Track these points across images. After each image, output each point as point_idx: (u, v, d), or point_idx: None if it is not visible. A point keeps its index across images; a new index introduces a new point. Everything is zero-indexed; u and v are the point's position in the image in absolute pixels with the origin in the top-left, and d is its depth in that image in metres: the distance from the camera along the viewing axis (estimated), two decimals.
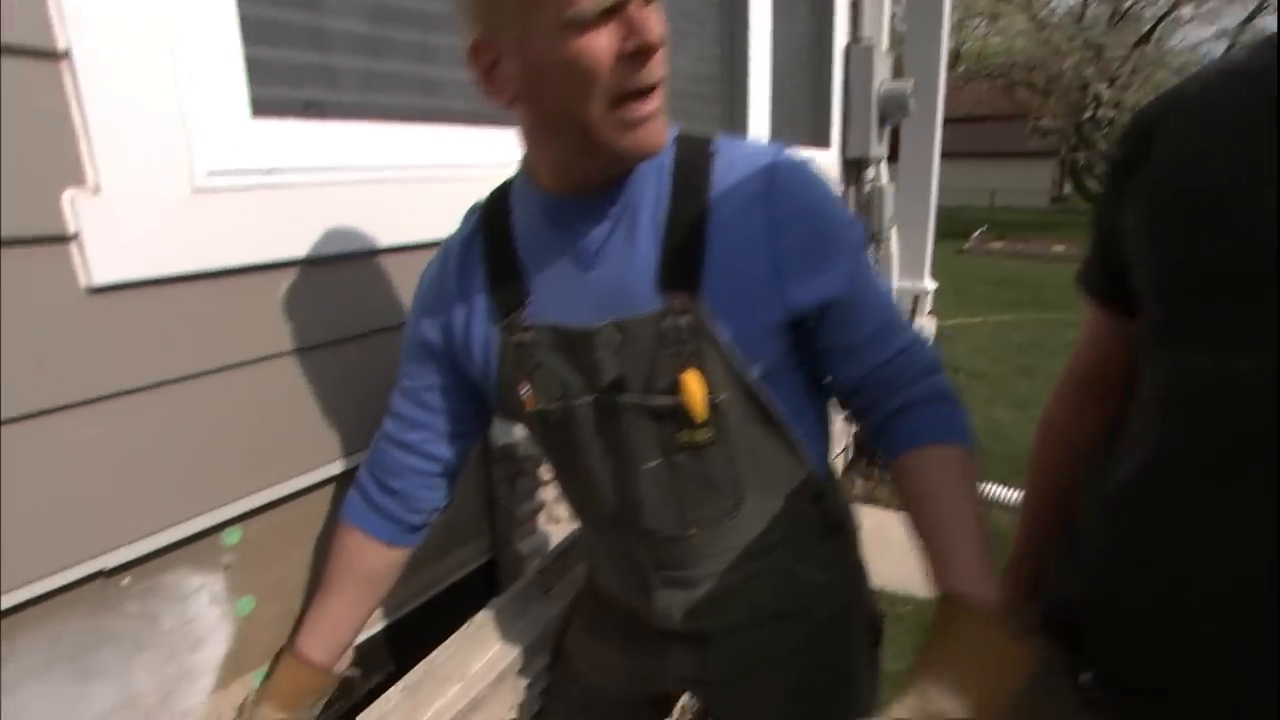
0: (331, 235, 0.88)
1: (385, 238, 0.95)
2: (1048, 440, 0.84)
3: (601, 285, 0.68)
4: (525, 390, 0.72)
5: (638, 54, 0.57)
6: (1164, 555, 0.61)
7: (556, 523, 1.33)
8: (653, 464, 0.70)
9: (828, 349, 0.70)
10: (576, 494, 0.81)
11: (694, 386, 0.65)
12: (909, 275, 4.50)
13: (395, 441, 0.82)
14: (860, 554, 0.86)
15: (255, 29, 0.81)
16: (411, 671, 0.86)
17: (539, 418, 0.73)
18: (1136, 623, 0.64)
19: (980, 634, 0.59)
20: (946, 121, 4.52)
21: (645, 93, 0.59)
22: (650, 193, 0.68)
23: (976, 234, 13.09)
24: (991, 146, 21.45)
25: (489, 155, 1.08)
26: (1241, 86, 0.59)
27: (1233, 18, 13.53)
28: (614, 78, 0.57)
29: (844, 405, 0.75)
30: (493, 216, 0.76)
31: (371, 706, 0.81)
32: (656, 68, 0.59)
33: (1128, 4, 13.64)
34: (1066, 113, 14.65)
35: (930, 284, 4.66)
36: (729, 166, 0.68)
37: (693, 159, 0.69)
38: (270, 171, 0.82)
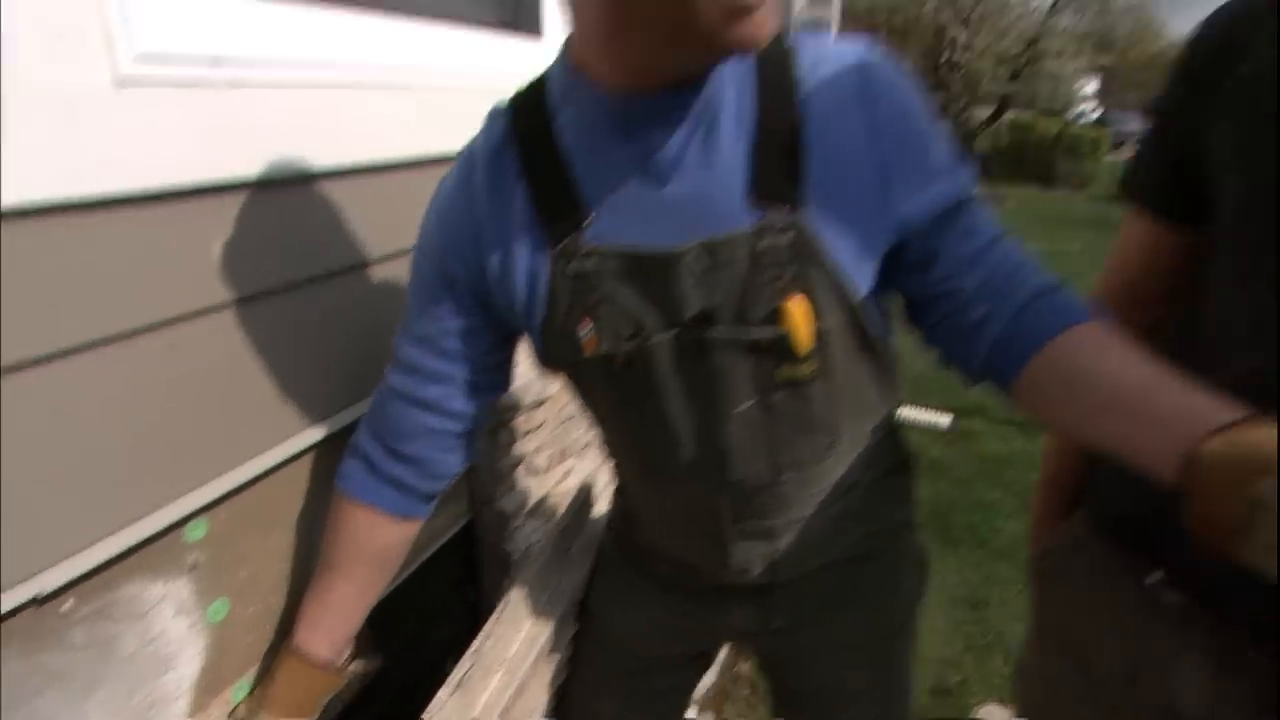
0: (300, 149, 0.70)
1: (367, 152, 0.78)
2: None
3: (681, 200, 0.58)
4: (586, 330, 0.60)
5: None
6: None
7: (536, 475, 1.22)
8: (745, 406, 0.61)
9: (946, 259, 0.60)
10: (640, 449, 0.70)
11: (799, 315, 0.56)
12: None
13: (409, 399, 0.67)
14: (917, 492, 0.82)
15: None
16: (457, 666, 0.74)
17: (602, 363, 0.62)
18: None
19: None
20: None
21: None
22: (731, 90, 0.57)
23: None
24: None
25: (501, 62, 0.92)
26: None
27: None
28: None
29: (946, 320, 0.62)
30: (530, 121, 0.62)
31: (425, 714, 0.70)
32: None
33: None
34: (924, 55, 15.35)
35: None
36: (815, 63, 0.59)
37: (774, 52, 0.59)
38: (217, 61, 0.63)
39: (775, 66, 0.59)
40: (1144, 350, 0.54)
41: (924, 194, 0.59)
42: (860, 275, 0.59)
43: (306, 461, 0.78)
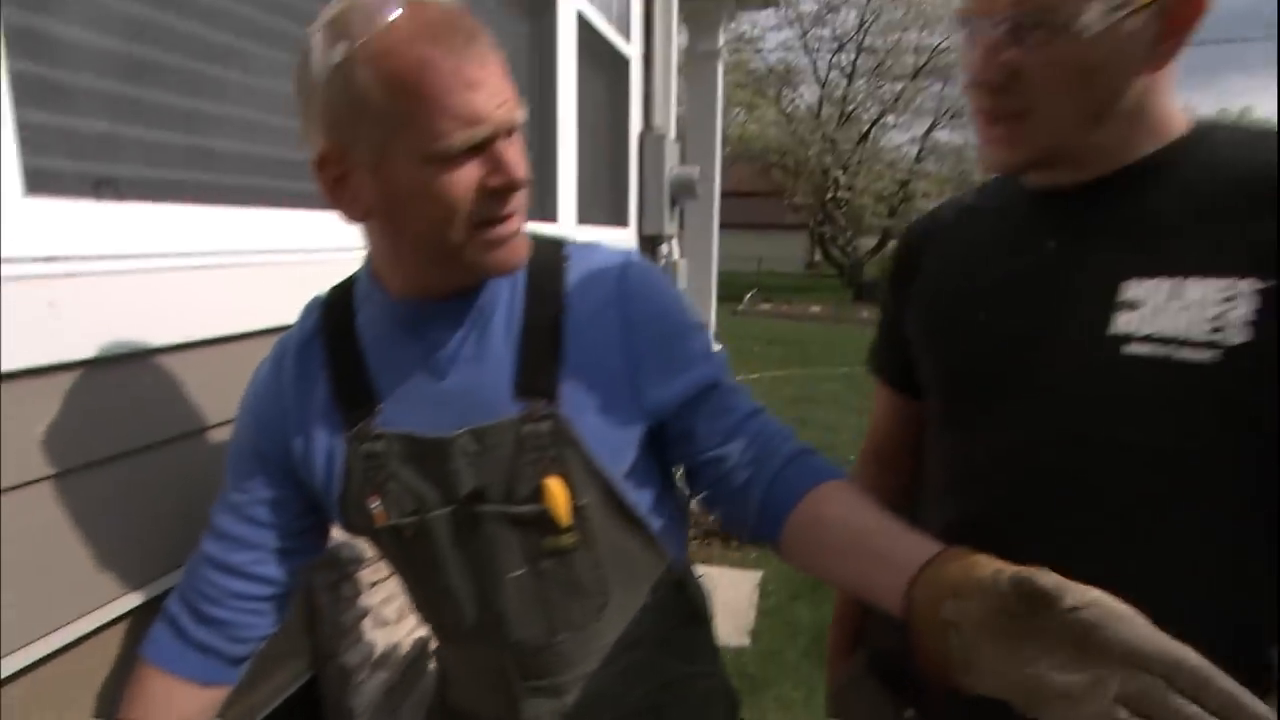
0: (128, 331, 0.77)
1: (189, 331, 0.85)
2: None
3: (457, 392, 0.67)
4: (376, 504, 0.68)
5: (502, 189, 0.58)
6: None
7: (384, 626, 1.23)
8: (517, 573, 0.69)
9: (703, 435, 0.69)
10: (434, 610, 0.76)
11: (557, 492, 0.65)
12: None
13: (218, 564, 0.72)
14: (715, 638, 0.88)
15: (30, 89, 0.71)
16: None
17: (391, 533, 0.69)
18: None
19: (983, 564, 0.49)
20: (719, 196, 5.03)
21: (508, 216, 0.61)
22: (504, 296, 0.69)
23: (748, 297, 14.49)
24: (756, 219, 24.10)
25: (317, 239, 1.02)
26: (981, 221, 0.76)
27: (920, 127, 17.06)
28: (477, 206, 0.58)
29: (716, 486, 0.70)
30: (336, 317, 0.72)
31: None
32: (520, 198, 0.61)
33: (851, 108, 16.32)
34: (813, 192, 16.95)
35: (717, 347, 5.09)
36: (581, 271, 0.70)
37: (546, 263, 0.71)
38: (50, 260, 0.71)
39: (546, 274, 0.70)
40: (878, 502, 0.63)
41: (672, 384, 0.69)
42: (616, 456, 0.69)
43: (121, 629, 0.79)
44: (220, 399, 0.89)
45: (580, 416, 0.67)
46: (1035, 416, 0.64)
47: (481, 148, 0.57)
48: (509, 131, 0.59)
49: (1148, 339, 0.57)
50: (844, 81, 16.28)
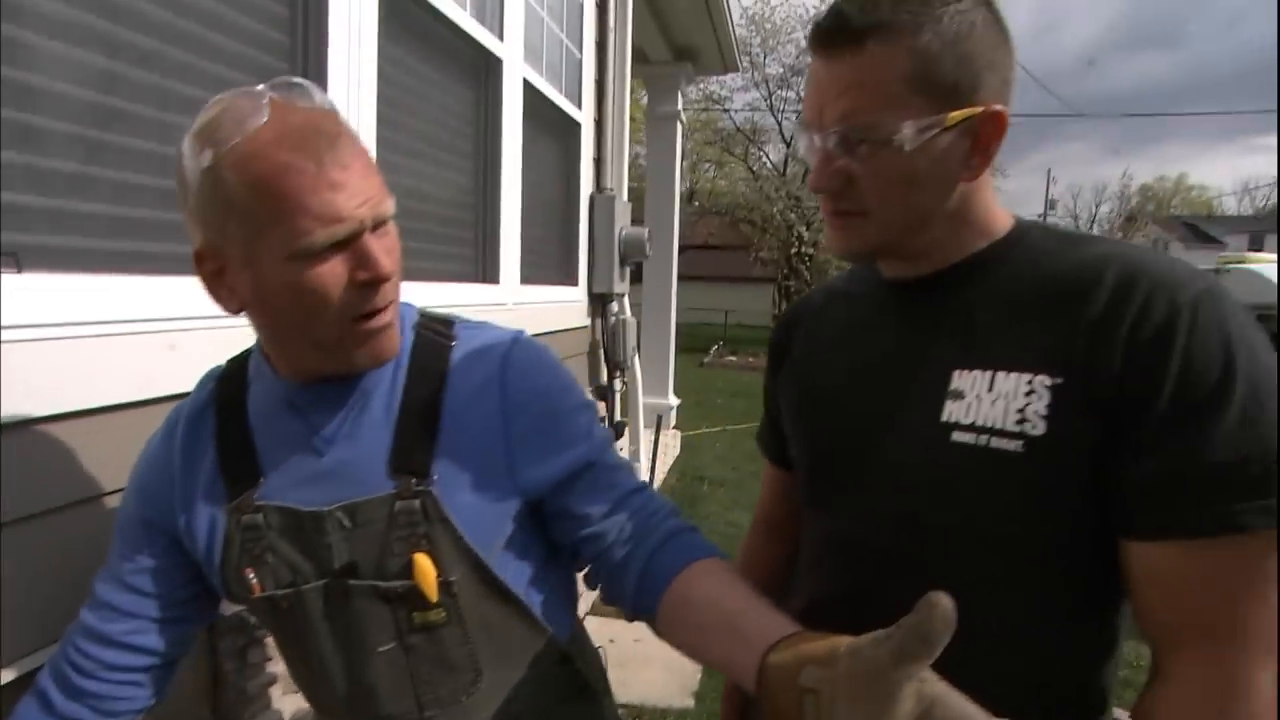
0: (19, 397, 0.78)
1: (64, 401, 0.85)
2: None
3: (335, 469, 0.69)
4: (252, 575, 0.69)
5: (369, 283, 0.62)
6: None
7: (294, 692, 1.21)
8: (386, 647, 0.70)
9: (580, 514, 0.71)
10: (307, 682, 0.77)
11: (425, 568, 0.66)
12: (655, 393, 4.93)
13: (94, 635, 0.72)
14: (613, 711, 0.87)
15: None
16: None
17: (267, 604, 0.70)
18: None
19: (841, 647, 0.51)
20: (687, 249, 5.19)
21: (378, 309, 0.64)
22: (386, 377, 0.71)
23: (714, 349, 14.66)
24: (724, 271, 24.55)
25: (196, 307, 1.03)
26: (844, 307, 0.81)
27: None
28: (346, 301, 0.61)
29: (597, 562, 0.73)
30: (229, 390, 0.74)
31: None
32: (390, 290, 0.64)
33: None
34: (779, 247, 17.42)
35: (674, 400, 5.14)
36: (466, 349, 0.73)
37: (431, 343, 0.73)
38: None
39: (431, 353, 0.72)
40: (747, 583, 0.65)
41: (549, 463, 0.71)
42: (489, 533, 0.70)
43: None
44: (109, 467, 0.89)
45: (452, 494, 0.68)
46: (879, 497, 0.68)
47: (346, 244, 0.60)
48: (376, 226, 0.62)
49: (970, 427, 0.62)
50: None
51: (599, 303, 3.06)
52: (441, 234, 1.91)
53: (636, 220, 3.36)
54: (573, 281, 2.83)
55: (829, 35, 0.62)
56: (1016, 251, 0.66)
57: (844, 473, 0.72)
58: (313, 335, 0.63)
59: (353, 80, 1.36)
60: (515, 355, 0.73)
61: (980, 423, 0.61)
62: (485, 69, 2.09)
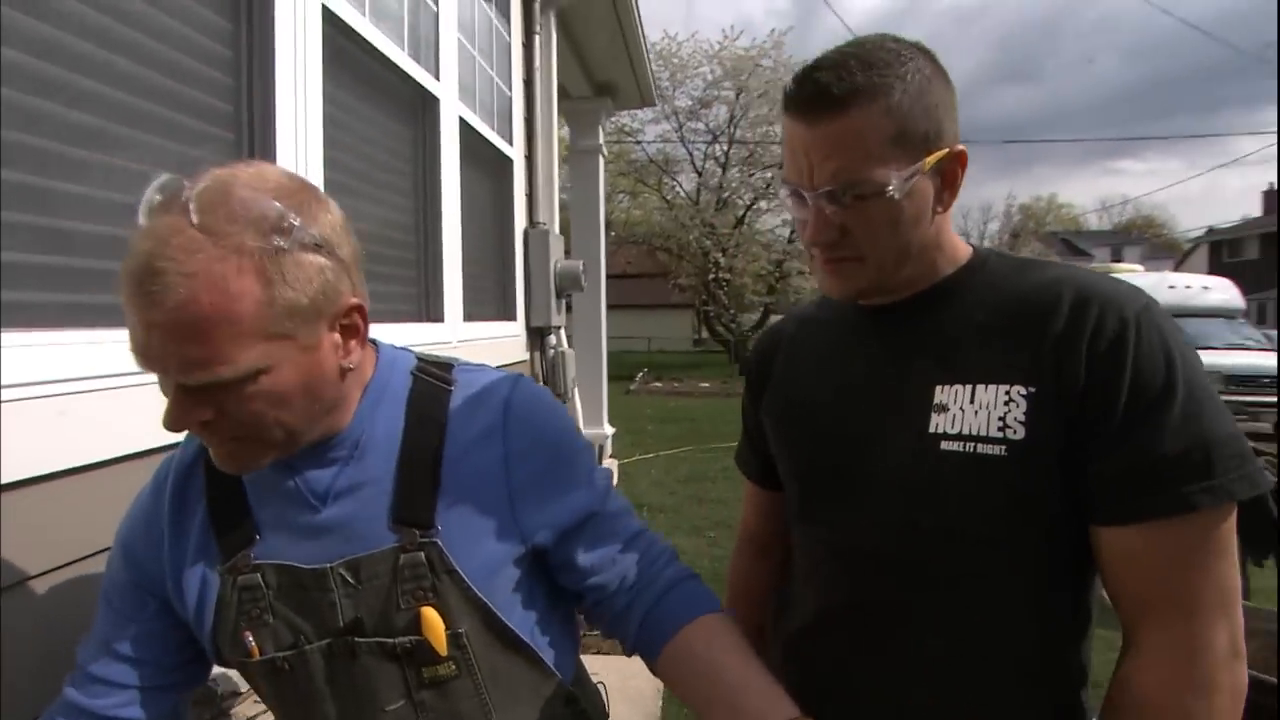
0: None
1: (46, 462, 0.81)
2: (731, 598, 1.01)
3: (333, 524, 0.67)
4: (251, 638, 0.66)
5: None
6: (837, 689, 0.77)
7: None
8: (395, 706, 0.68)
9: (583, 564, 0.72)
10: None
11: (433, 621, 0.65)
12: (592, 424, 4.92)
13: (79, 711, 0.67)
14: None
15: None
16: None
17: (267, 667, 0.67)
18: None
19: None
20: (607, 278, 5.23)
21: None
22: (381, 426, 0.69)
23: (640, 375, 14.78)
24: (643, 299, 24.90)
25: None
26: (818, 331, 0.87)
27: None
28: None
29: (599, 607, 0.75)
30: None
31: None
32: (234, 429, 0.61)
33: (727, 194, 17.47)
34: (696, 273, 17.81)
35: (609, 429, 5.15)
36: (465, 395, 0.72)
37: (430, 389, 0.72)
38: None
39: (430, 401, 0.71)
40: (748, 645, 0.70)
41: (552, 512, 0.70)
42: (495, 581, 0.69)
43: None
44: (85, 531, 0.84)
45: (457, 544, 0.67)
46: (876, 506, 0.73)
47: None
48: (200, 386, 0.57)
49: (958, 436, 0.68)
50: (719, 170, 17.45)
51: (537, 336, 3.06)
52: (388, 274, 1.89)
53: (566, 253, 3.40)
54: (511, 316, 2.82)
55: (811, 103, 0.66)
56: (979, 277, 0.73)
57: (838, 486, 0.77)
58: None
59: (299, 122, 1.34)
60: (516, 400, 0.72)
61: (967, 431, 0.67)
62: (423, 107, 2.09)
